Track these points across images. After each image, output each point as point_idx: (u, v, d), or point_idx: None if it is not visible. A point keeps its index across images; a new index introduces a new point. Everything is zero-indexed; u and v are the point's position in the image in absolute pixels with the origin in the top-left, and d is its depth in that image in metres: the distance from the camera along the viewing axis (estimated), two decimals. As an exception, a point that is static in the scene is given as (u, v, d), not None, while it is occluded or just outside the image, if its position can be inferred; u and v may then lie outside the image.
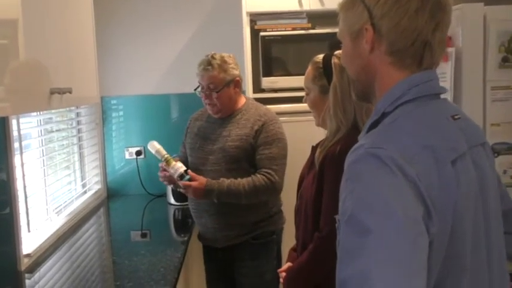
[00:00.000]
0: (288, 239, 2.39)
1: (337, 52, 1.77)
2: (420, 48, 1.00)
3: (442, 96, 1.07)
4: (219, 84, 2.40)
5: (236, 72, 2.46)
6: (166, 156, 2.38)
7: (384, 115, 1.02)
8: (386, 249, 0.82)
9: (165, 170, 2.41)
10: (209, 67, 2.40)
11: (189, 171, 2.36)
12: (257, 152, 2.38)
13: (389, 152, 0.90)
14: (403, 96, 1.00)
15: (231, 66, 2.44)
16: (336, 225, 0.98)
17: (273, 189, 2.35)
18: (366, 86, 1.08)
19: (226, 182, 2.32)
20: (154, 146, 2.43)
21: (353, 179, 0.92)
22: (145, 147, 3.42)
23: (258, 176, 2.33)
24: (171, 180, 2.42)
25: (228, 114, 2.48)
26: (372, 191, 0.88)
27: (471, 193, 0.97)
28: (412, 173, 0.88)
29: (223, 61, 2.42)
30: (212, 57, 2.42)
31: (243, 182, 2.31)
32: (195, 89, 2.49)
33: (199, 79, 2.45)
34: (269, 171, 2.33)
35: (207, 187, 2.31)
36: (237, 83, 2.46)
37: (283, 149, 2.42)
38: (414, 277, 0.82)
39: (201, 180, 2.32)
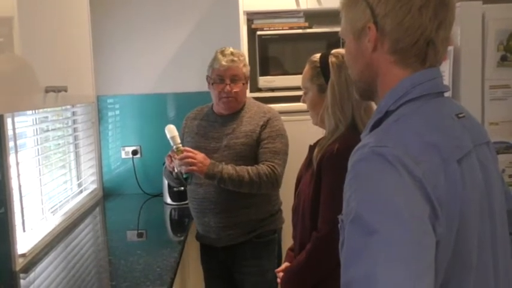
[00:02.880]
0: (287, 240, 2.39)
1: (334, 51, 1.77)
2: (424, 46, 0.98)
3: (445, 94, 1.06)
4: (242, 77, 2.44)
5: (249, 68, 2.53)
6: (179, 146, 2.33)
7: (387, 113, 1.00)
8: (392, 249, 0.81)
9: (172, 158, 2.36)
10: (236, 59, 2.41)
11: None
12: (260, 145, 2.39)
13: (394, 150, 0.88)
14: (407, 95, 0.99)
15: (247, 62, 2.51)
16: (339, 225, 0.96)
17: (275, 181, 2.34)
18: (369, 84, 1.07)
19: (230, 164, 2.32)
20: (171, 131, 2.36)
21: (357, 178, 0.91)
22: (142, 147, 3.42)
23: (262, 165, 2.33)
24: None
25: (234, 110, 2.48)
26: (377, 191, 0.87)
27: (477, 192, 0.96)
28: (418, 172, 0.87)
29: (244, 56, 2.48)
30: (233, 50, 2.45)
31: (247, 167, 2.32)
32: (213, 83, 2.44)
33: (222, 71, 2.40)
34: (272, 163, 2.34)
35: (212, 161, 2.30)
36: (248, 80, 2.52)
37: (286, 145, 2.43)
38: (421, 277, 0.80)
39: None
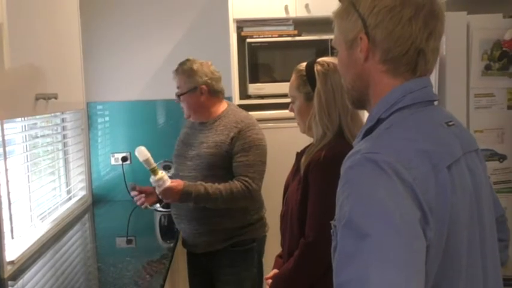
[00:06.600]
0: (272, 247, 2.39)
1: (319, 59, 1.79)
2: (414, 56, 1.01)
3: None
4: (183, 88, 2.46)
5: (201, 80, 2.42)
6: (154, 166, 2.29)
7: (379, 121, 1.03)
8: (384, 253, 0.83)
9: (140, 192, 2.41)
10: (176, 71, 2.47)
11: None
12: (234, 159, 2.36)
13: (386, 157, 0.91)
14: (398, 103, 1.01)
15: (198, 73, 2.42)
16: (332, 230, 0.98)
17: (250, 196, 2.33)
18: (361, 93, 1.09)
19: (204, 185, 2.30)
20: (143, 154, 2.28)
21: (350, 183, 0.92)
22: (131, 153, 3.41)
23: (236, 182, 2.32)
24: (143, 201, 2.42)
25: (201, 120, 2.48)
26: (369, 196, 0.88)
27: (466, 198, 0.99)
28: (409, 178, 0.89)
29: (191, 67, 2.43)
30: (184, 62, 2.47)
31: (220, 187, 2.30)
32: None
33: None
34: (246, 178, 2.32)
35: (185, 188, 2.28)
36: (204, 91, 2.43)
37: (261, 155, 2.39)
38: (412, 280, 0.82)
39: (179, 182, 2.30)
